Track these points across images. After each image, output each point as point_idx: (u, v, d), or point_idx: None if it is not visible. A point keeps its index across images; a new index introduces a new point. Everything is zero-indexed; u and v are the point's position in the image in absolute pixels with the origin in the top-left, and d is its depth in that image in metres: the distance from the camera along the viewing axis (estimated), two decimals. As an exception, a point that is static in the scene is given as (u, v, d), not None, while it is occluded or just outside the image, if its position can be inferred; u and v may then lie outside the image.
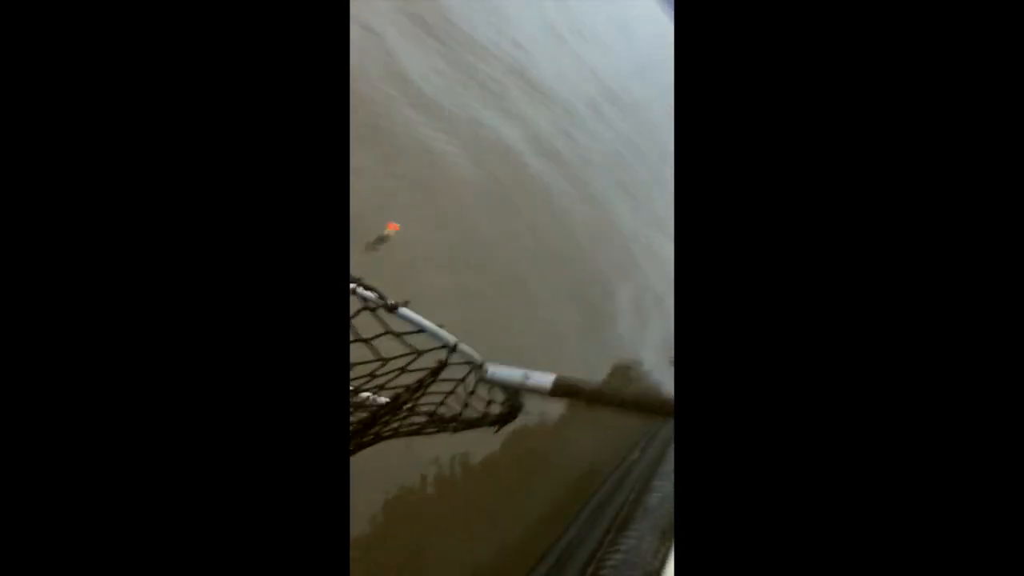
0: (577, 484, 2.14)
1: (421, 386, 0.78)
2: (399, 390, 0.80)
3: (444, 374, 0.76)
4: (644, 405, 0.57)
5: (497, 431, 0.92)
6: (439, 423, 0.92)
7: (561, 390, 0.64)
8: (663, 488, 2.14)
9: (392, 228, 2.20)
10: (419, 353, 0.72)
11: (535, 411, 2.23)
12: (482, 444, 1.97)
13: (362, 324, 0.69)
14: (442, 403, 0.84)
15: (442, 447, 1.85)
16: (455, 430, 0.96)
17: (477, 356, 0.73)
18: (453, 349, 0.70)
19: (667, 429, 2.65)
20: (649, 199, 5.62)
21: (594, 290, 3.38)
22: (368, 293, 0.70)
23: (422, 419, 0.90)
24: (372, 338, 0.71)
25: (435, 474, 1.84)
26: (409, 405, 0.85)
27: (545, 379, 0.67)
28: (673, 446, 2.40)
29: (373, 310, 0.69)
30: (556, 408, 2.35)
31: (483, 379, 0.75)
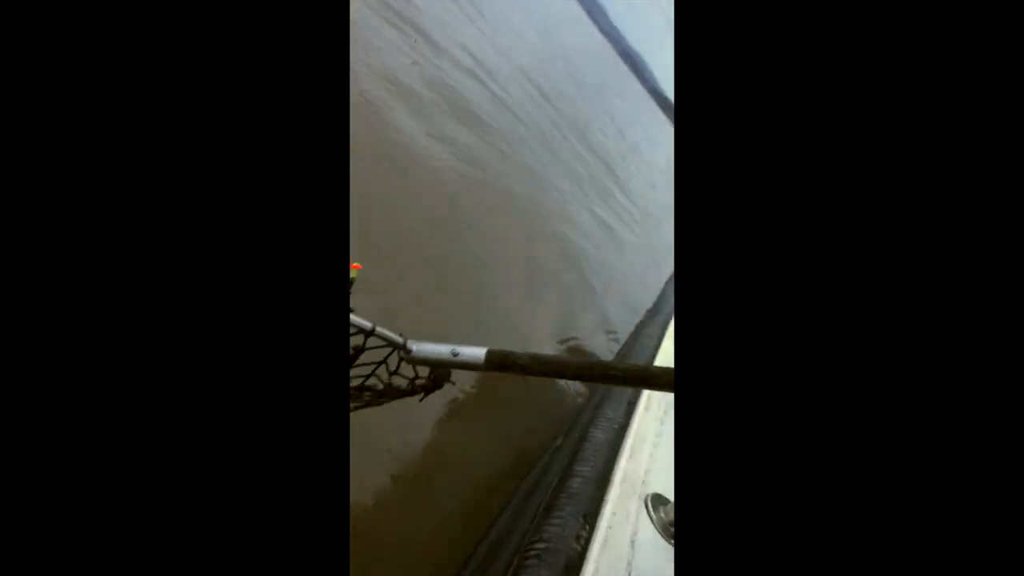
0: (504, 474, 2.14)
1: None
2: None
3: (365, 357, 0.73)
4: (585, 372, 0.55)
5: (422, 399, 0.92)
6: (361, 400, 0.89)
7: (495, 362, 0.61)
8: (584, 472, 2.20)
9: (355, 268, 1.97)
10: None
11: (459, 385, 2.19)
12: (401, 435, 1.90)
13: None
14: (362, 386, 0.80)
15: (364, 440, 1.75)
16: (377, 403, 0.94)
17: (398, 337, 0.71)
18: (371, 333, 0.68)
19: (588, 412, 2.72)
20: (553, 175, 5.72)
21: (479, 269, 3.39)
22: None
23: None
24: None
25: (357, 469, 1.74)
26: None
27: (476, 352, 0.65)
28: (593, 429, 2.47)
29: None
30: (478, 393, 2.32)
31: (407, 359, 0.73)
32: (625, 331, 4.32)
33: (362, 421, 1.81)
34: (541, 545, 1.66)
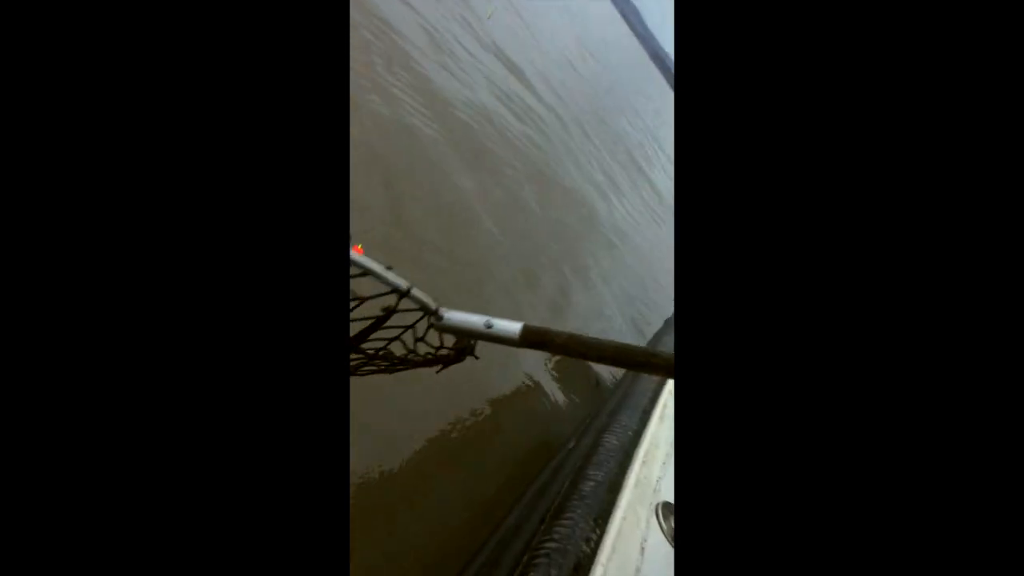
0: (518, 470, 2.16)
1: (362, 336, 0.72)
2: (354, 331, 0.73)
3: (392, 320, 0.72)
4: (625, 358, 0.56)
5: (440, 370, 0.90)
6: (377, 364, 0.88)
7: (530, 339, 0.61)
8: (596, 476, 2.21)
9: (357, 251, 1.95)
10: (361, 300, 0.66)
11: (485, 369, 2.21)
12: (421, 423, 1.93)
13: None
14: (384, 348, 0.79)
15: (375, 424, 1.79)
16: (391, 371, 0.92)
17: (431, 302, 0.70)
18: (405, 294, 0.67)
19: (601, 418, 2.73)
20: (575, 168, 5.66)
21: (488, 241, 3.35)
22: None
23: (359, 359, 0.85)
24: None
25: (368, 453, 1.77)
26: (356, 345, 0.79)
27: (511, 327, 0.64)
28: (607, 434, 2.47)
29: None
30: (498, 384, 2.35)
31: (436, 326, 0.72)
32: (624, 329, 4.25)
33: (375, 399, 1.84)
34: (551, 544, 1.68)
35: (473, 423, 2.21)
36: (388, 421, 1.90)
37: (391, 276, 0.66)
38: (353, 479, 1.66)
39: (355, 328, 0.74)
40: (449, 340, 0.80)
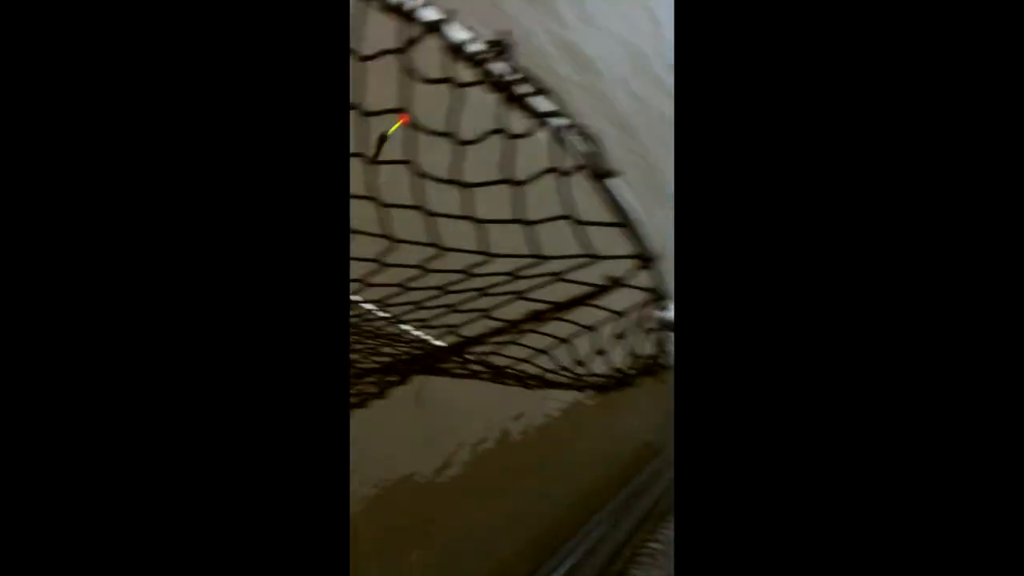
0: (612, 470, 2.17)
1: (561, 308, 0.59)
2: (544, 306, 0.61)
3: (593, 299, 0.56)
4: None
5: (595, 395, 0.76)
6: (529, 377, 0.75)
7: None
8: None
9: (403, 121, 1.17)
10: (595, 259, 0.53)
11: None
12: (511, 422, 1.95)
13: (541, 192, 0.51)
14: (567, 341, 0.63)
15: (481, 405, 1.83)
16: (540, 386, 0.78)
17: (669, 288, 0.51)
18: (647, 264, 0.48)
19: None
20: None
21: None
22: (585, 139, 0.45)
23: (521, 356, 0.71)
24: (539, 221, 0.52)
25: (470, 440, 1.84)
26: (524, 328, 0.64)
27: None
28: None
29: (570, 173, 0.45)
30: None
31: (656, 322, 0.54)
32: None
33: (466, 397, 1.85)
34: (656, 546, 1.69)
35: (562, 419, 2.23)
36: (473, 421, 1.93)
37: (643, 233, 0.47)
38: (441, 475, 1.69)
39: (562, 294, 0.58)
40: (644, 346, 0.60)
